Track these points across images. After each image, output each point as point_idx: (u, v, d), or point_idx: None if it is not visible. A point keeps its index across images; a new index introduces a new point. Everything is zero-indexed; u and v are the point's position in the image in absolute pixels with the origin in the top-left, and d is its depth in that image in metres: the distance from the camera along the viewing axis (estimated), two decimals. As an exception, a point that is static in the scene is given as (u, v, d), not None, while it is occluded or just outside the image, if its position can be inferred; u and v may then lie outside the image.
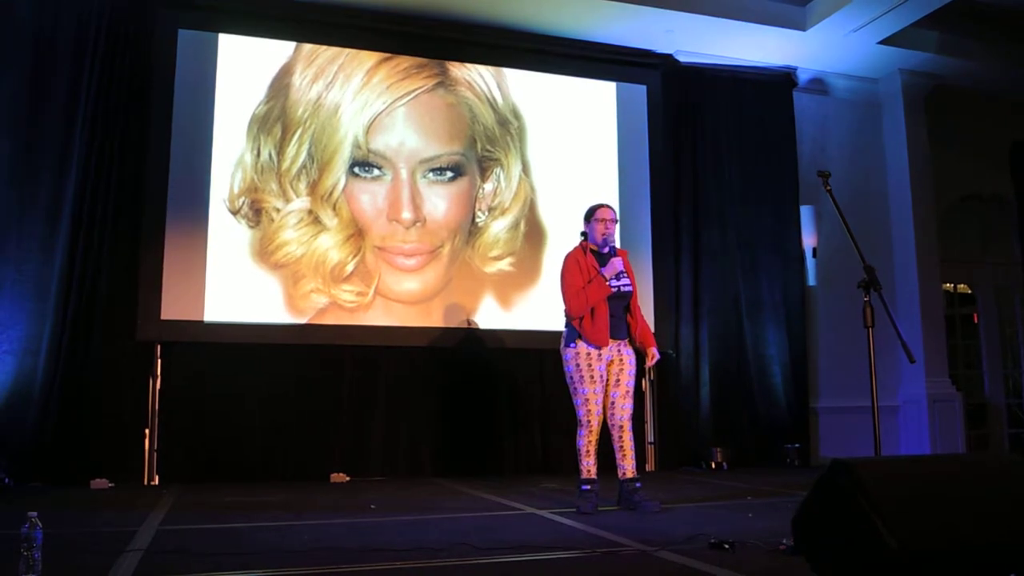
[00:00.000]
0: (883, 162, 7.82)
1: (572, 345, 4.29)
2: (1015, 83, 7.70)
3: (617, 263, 4.30)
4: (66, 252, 5.43)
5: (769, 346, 7.03)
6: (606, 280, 4.24)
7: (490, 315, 6.32)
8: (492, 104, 6.57)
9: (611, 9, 6.36)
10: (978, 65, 7.43)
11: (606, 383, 4.30)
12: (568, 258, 4.37)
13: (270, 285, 5.85)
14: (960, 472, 2.49)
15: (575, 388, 4.28)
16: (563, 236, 6.39)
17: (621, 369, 4.32)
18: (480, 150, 6.48)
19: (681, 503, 4.51)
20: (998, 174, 8.10)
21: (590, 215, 4.43)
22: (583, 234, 4.45)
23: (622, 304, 4.36)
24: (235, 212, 5.86)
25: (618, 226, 6.54)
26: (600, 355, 4.26)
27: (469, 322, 6.26)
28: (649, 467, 6.59)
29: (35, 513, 2.50)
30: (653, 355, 4.43)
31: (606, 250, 4.37)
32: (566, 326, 4.37)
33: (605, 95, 6.94)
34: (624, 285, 4.32)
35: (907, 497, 2.20)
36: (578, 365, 4.25)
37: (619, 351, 4.34)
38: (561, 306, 4.38)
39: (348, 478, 5.79)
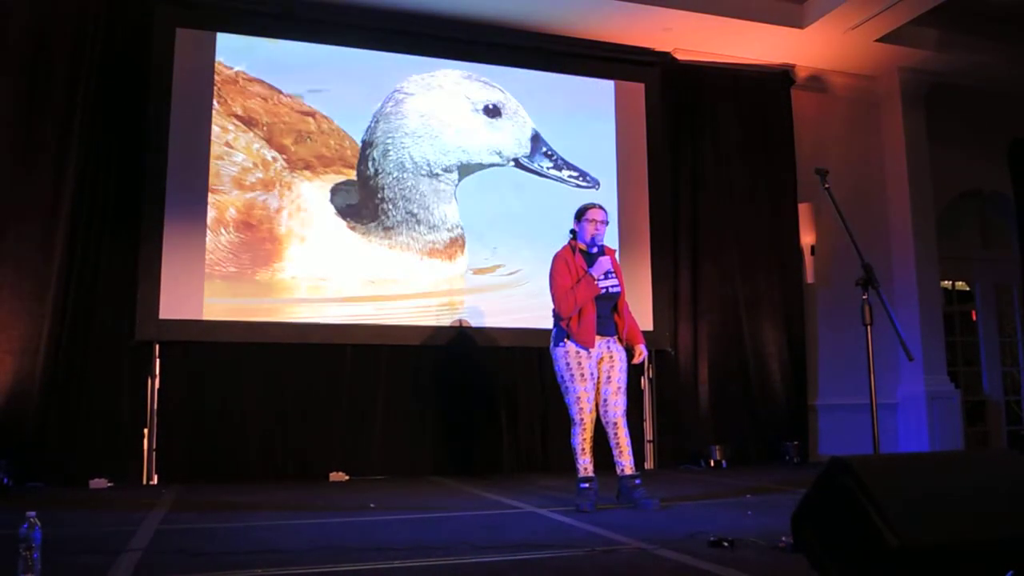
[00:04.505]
0: (881, 159, 7.83)
1: (561, 345, 4.29)
2: (1014, 80, 7.70)
3: (605, 262, 4.29)
4: (65, 252, 5.43)
5: (768, 344, 7.03)
6: (595, 280, 4.24)
7: (490, 314, 6.32)
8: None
9: (609, 7, 6.35)
10: (976, 62, 7.42)
11: (597, 380, 4.29)
12: (557, 258, 4.37)
13: (270, 283, 5.85)
14: (959, 469, 2.49)
15: (566, 387, 4.28)
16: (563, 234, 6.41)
17: (612, 366, 4.32)
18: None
19: (680, 501, 4.51)
20: (996, 171, 8.10)
21: (581, 214, 4.42)
22: (572, 232, 4.45)
23: (610, 304, 4.36)
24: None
25: (617, 224, 6.67)
26: (590, 353, 4.25)
27: (464, 321, 6.26)
28: (648, 465, 6.59)
29: (34, 513, 2.49)
30: (640, 352, 4.43)
31: (594, 250, 4.37)
32: (555, 326, 4.37)
33: (603, 93, 6.94)
34: (612, 286, 4.31)
35: (906, 494, 2.20)
36: (568, 364, 4.25)
37: (608, 348, 4.33)
38: (552, 305, 4.39)
39: (348, 477, 5.79)
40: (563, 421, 4.74)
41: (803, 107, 7.58)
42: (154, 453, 5.52)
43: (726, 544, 3.07)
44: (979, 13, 7.06)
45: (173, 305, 5.62)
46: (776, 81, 7.41)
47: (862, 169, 7.71)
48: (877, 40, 7.00)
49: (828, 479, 2.33)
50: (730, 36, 6.85)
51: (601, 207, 4.42)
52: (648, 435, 6.67)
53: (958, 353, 8.14)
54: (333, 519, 3.92)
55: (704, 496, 4.74)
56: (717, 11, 6.52)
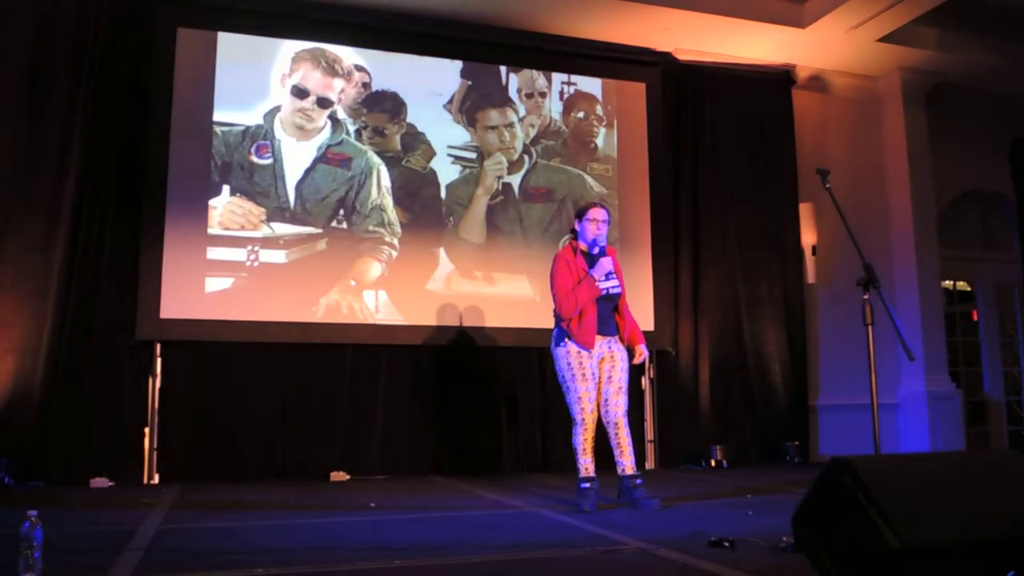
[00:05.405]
0: (882, 159, 7.82)
1: (563, 344, 4.27)
2: (1014, 80, 7.69)
3: (606, 263, 4.27)
4: (65, 251, 5.43)
5: (768, 344, 7.03)
6: (595, 281, 4.23)
7: (490, 313, 6.32)
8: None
9: (610, 7, 6.35)
10: (978, 62, 7.42)
11: (598, 380, 4.29)
12: (558, 259, 4.35)
13: (270, 282, 5.85)
14: (960, 469, 2.49)
15: (568, 387, 4.27)
16: (562, 234, 6.42)
17: (612, 366, 4.31)
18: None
19: (681, 501, 4.51)
20: (998, 171, 8.10)
21: (582, 214, 4.40)
22: (573, 232, 4.45)
23: (610, 305, 4.35)
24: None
25: (618, 224, 6.67)
26: (591, 353, 4.25)
27: (464, 321, 6.26)
28: (649, 465, 6.59)
29: (35, 512, 2.50)
30: (640, 352, 4.41)
31: (595, 250, 4.34)
32: (556, 326, 4.36)
33: (605, 93, 6.94)
34: (613, 287, 4.29)
35: (907, 495, 2.20)
36: (569, 364, 4.24)
37: (609, 348, 4.32)
38: (552, 305, 4.38)
39: (348, 476, 5.78)
40: (563, 421, 4.74)
41: (804, 107, 7.58)
42: (155, 452, 5.52)
43: (727, 544, 3.06)
44: (980, 13, 7.05)
45: (174, 304, 5.62)
46: (777, 81, 7.40)
47: (863, 169, 7.71)
48: (878, 40, 6.99)
49: (829, 479, 2.33)
50: (731, 36, 6.85)
51: (603, 206, 4.40)
52: (649, 435, 6.67)
53: (959, 353, 8.13)
54: (333, 519, 3.92)
55: (705, 496, 4.74)
56: (718, 11, 6.52)
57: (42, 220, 5.42)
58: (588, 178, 6.78)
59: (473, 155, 6.49)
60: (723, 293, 6.98)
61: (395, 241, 6.20)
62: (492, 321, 6.31)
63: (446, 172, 6.40)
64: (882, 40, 7.00)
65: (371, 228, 6.15)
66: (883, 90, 7.79)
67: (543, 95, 6.76)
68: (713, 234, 7.01)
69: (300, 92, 6.15)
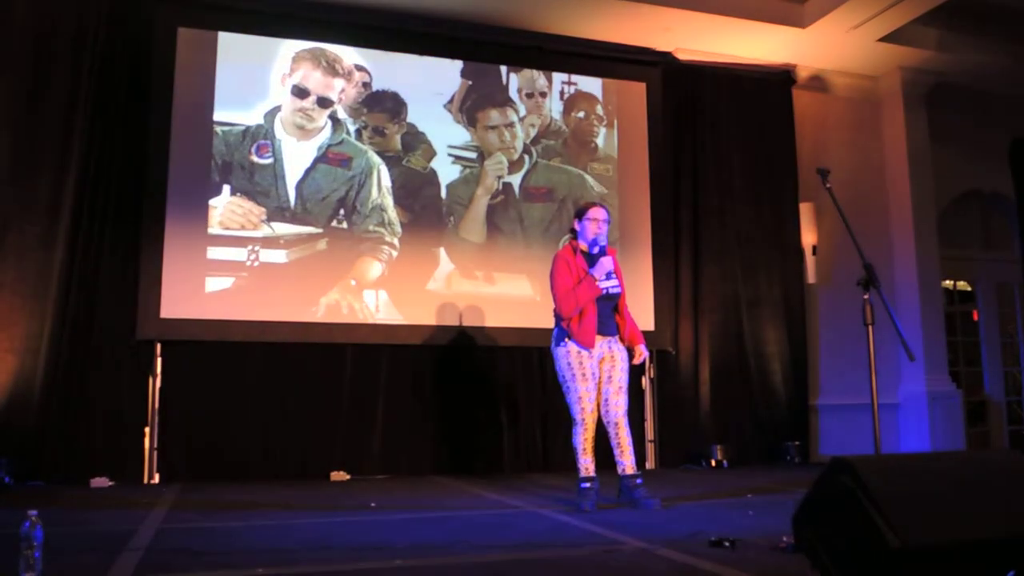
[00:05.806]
0: (883, 159, 7.82)
1: (563, 344, 4.28)
2: (1014, 80, 7.69)
3: (606, 263, 4.27)
4: (66, 250, 5.43)
5: (769, 344, 7.03)
6: (595, 281, 4.23)
7: (490, 313, 6.32)
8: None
9: (610, 7, 6.35)
10: (978, 62, 7.42)
11: (598, 380, 4.29)
12: (558, 258, 4.35)
13: (270, 282, 5.85)
14: (960, 469, 2.49)
15: (568, 386, 4.27)
16: (562, 234, 6.42)
17: (613, 366, 4.31)
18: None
19: (681, 500, 4.51)
20: (998, 171, 8.10)
21: (582, 213, 4.40)
22: (572, 231, 4.45)
23: (610, 304, 4.35)
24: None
25: (618, 224, 6.67)
26: (591, 353, 4.25)
27: (464, 321, 6.26)
28: (649, 465, 6.59)
29: (35, 512, 2.50)
30: (640, 353, 4.41)
31: (595, 250, 4.35)
32: (556, 326, 4.36)
33: (605, 93, 6.94)
34: (613, 287, 4.29)
35: (907, 495, 2.20)
36: (569, 364, 4.24)
37: (609, 347, 4.32)
38: (552, 305, 4.39)
39: (348, 476, 5.79)
40: (563, 421, 4.74)
41: (804, 107, 7.57)
42: (155, 452, 5.52)
43: (727, 544, 3.06)
44: (981, 13, 7.05)
45: (174, 304, 5.62)
46: (777, 81, 7.40)
47: (863, 169, 7.71)
48: (878, 40, 6.99)
49: (829, 479, 2.33)
50: (731, 36, 6.85)
51: (603, 205, 4.41)
52: (649, 435, 6.67)
53: (959, 353, 8.13)
54: (333, 519, 3.92)
55: (705, 496, 4.74)
56: (718, 10, 6.51)
57: (43, 219, 5.42)
58: (588, 178, 6.79)
59: (473, 155, 6.50)
60: (723, 293, 6.98)
61: (395, 241, 6.20)
62: (492, 321, 6.31)
63: (446, 172, 6.40)
64: (882, 40, 7.00)
65: (371, 228, 6.15)
66: (883, 90, 7.79)
67: (543, 95, 6.77)
68: (713, 234, 7.01)
69: (300, 92, 6.15)
